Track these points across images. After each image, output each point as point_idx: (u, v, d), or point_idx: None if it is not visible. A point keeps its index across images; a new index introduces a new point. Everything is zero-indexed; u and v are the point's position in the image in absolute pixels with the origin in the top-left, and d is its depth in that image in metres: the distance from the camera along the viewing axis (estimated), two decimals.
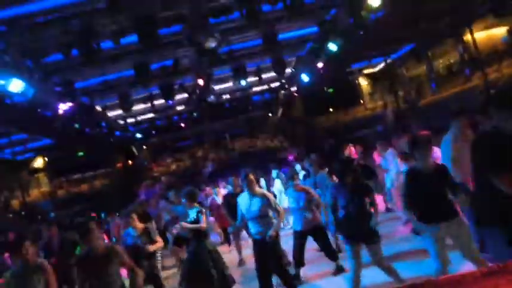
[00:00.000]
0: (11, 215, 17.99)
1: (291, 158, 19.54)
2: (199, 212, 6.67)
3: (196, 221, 6.67)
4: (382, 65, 21.24)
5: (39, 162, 21.35)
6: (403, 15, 11.46)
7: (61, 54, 8.43)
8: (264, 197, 5.95)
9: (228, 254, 10.36)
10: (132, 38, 8.58)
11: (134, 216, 6.99)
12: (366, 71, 22.52)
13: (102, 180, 23.15)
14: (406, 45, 18.18)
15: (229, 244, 11.06)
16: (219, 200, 11.34)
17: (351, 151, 9.82)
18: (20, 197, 19.39)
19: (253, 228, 5.97)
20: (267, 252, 5.91)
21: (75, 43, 8.06)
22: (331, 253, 6.77)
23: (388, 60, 20.32)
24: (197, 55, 10.64)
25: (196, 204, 6.89)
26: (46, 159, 21.32)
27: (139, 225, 6.87)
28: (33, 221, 16.51)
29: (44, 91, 9.43)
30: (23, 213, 18.08)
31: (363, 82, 24.33)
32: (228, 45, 11.50)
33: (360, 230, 5.06)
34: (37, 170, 21.78)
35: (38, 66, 8.65)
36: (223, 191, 11.66)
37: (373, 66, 21.67)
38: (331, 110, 25.00)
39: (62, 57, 8.60)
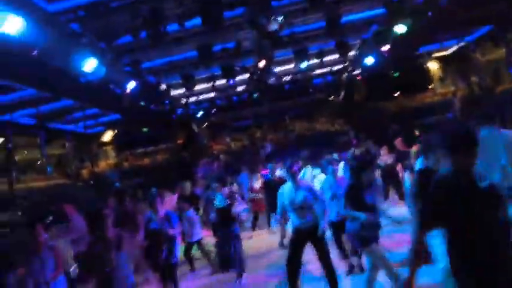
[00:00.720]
0: (80, 184, 19.26)
1: (354, 142, 19.33)
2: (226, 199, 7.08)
3: (225, 207, 7.09)
4: (454, 48, 19.98)
5: (107, 136, 22.54)
6: None
7: (131, 37, 8.99)
8: (309, 188, 6.11)
9: (250, 241, 10.77)
10: (196, 21, 8.99)
11: (159, 201, 7.50)
12: (436, 54, 21.21)
13: (163, 155, 24.07)
14: (482, 28, 17.09)
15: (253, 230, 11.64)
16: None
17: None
18: (90, 167, 20.68)
19: (295, 218, 6.14)
20: (314, 244, 6.10)
21: (144, 26, 8.54)
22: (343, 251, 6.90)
23: (462, 43, 19.14)
24: (259, 38, 10.88)
25: (223, 190, 7.31)
26: (114, 132, 22.47)
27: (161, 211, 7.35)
28: (100, 190, 17.65)
29: (115, 70, 10.06)
30: (91, 182, 19.29)
31: (433, 66, 22.97)
32: (290, 27, 11.56)
33: (376, 231, 5.14)
34: (105, 143, 23.03)
35: (110, 47, 9.25)
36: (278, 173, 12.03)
37: (445, 49, 20.41)
38: (396, 94, 24.01)
39: (131, 39, 9.19)
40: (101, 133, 21.94)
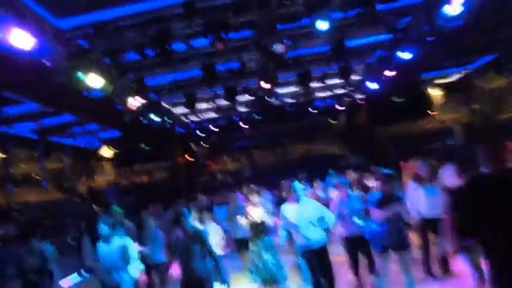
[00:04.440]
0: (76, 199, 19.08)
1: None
2: None
3: None
4: (457, 76, 19.63)
5: (106, 152, 22.35)
6: (484, 24, 10.69)
7: (137, 55, 8.99)
8: None
9: None
10: (202, 41, 9.03)
11: None
12: (438, 81, 20.94)
13: (162, 172, 23.87)
14: (486, 56, 16.93)
15: None
16: None
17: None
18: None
19: None
20: None
21: (151, 44, 8.55)
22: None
23: (465, 71, 18.84)
24: (264, 59, 10.90)
25: None
26: (112, 149, 22.27)
27: None
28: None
29: (119, 87, 10.02)
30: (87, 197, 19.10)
31: (435, 93, 23.05)
32: (295, 50, 11.56)
33: None
34: (104, 159, 22.82)
35: (116, 64, 9.24)
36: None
37: (448, 76, 20.16)
38: (397, 120, 23.84)
39: (137, 57, 9.19)
40: (99, 149, 21.76)
